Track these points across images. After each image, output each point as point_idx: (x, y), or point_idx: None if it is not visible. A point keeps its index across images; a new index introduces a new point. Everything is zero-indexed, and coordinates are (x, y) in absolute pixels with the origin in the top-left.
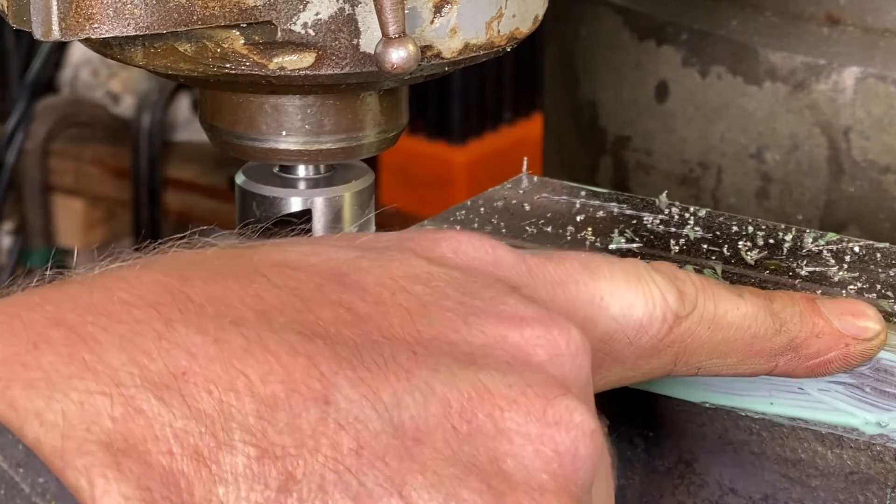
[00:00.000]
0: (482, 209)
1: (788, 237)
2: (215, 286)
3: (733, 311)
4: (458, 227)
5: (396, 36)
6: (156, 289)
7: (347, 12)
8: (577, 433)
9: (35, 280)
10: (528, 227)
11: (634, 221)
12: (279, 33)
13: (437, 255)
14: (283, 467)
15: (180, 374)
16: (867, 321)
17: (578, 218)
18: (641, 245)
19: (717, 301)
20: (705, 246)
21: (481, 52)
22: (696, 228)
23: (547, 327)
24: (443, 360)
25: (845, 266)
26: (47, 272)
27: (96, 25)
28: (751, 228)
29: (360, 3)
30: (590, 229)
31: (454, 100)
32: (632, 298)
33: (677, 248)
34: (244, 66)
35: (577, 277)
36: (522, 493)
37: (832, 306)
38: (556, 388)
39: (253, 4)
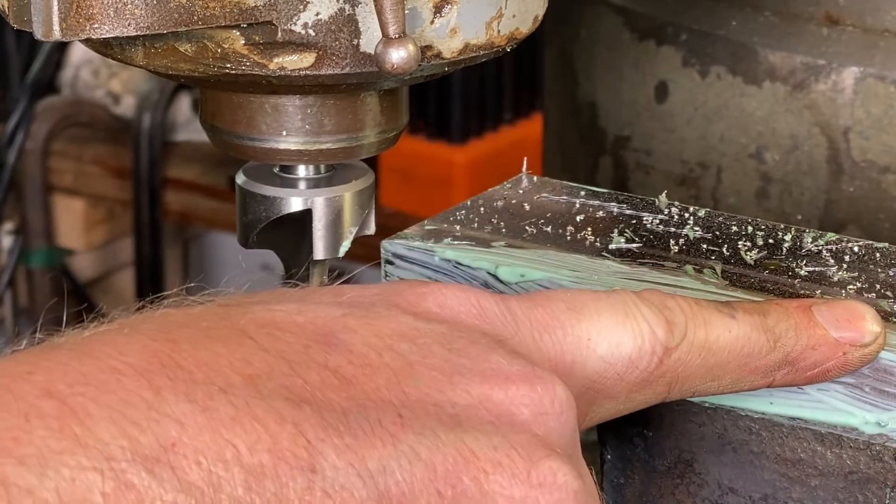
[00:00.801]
0: (482, 209)
1: (788, 237)
2: (203, 351)
3: (725, 334)
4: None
5: (396, 36)
6: (145, 355)
7: (348, 12)
8: (561, 494)
9: (24, 344)
10: (528, 227)
11: (634, 221)
12: (279, 33)
13: (422, 309)
14: None
15: (170, 446)
16: (864, 325)
17: (578, 218)
18: (641, 245)
19: (708, 327)
20: (705, 246)
21: (481, 53)
22: (696, 228)
23: (531, 385)
24: (428, 424)
25: (845, 266)
26: (36, 337)
27: (97, 26)
28: (750, 228)
29: (361, 3)
30: (589, 229)
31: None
32: (620, 335)
33: (677, 248)
34: (244, 66)
35: (564, 321)
36: None
37: (828, 313)
38: (540, 449)
39: (253, 5)
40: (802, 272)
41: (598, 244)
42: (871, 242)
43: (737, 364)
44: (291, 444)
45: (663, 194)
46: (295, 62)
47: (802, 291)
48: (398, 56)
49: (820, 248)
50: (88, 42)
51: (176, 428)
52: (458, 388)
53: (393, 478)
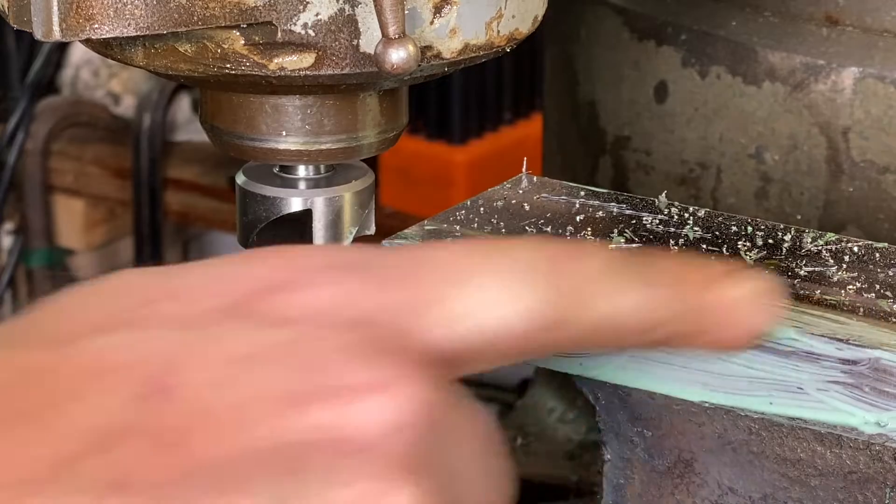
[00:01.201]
0: (482, 209)
1: (787, 237)
2: (3, 439)
3: (621, 305)
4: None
5: (396, 36)
6: None
7: (347, 13)
8: None
9: None
10: (527, 227)
11: (634, 221)
12: (279, 34)
13: (272, 309)
14: None
15: None
16: (747, 324)
17: (578, 218)
18: (641, 245)
19: (604, 298)
20: (704, 246)
21: (481, 53)
22: (696, 228)
23: (383, 394)
24: (266, 481)
25: (844, 266)
26: None
27: (97, 26)
28: (750, 228)
29: (361, 3)
30: (589, 229)
31: (454, 100)
32: (502, 304)
33: (677, 248)
34: (244, 66)
35: (442, 295)
36: None
37: (729, 289)
38: (396, 473)
39: (253, 5)
40: (802, 272)
41: (597, 244)
42: (870, 242)
43: (617, 338)
44: None
45: (663, 194)
46: (295, 62)
47: (802, 292)
48: (398, 56)
49: (819, 248)
50: (88, 42)
51: None
52: (299, 422)
53: None
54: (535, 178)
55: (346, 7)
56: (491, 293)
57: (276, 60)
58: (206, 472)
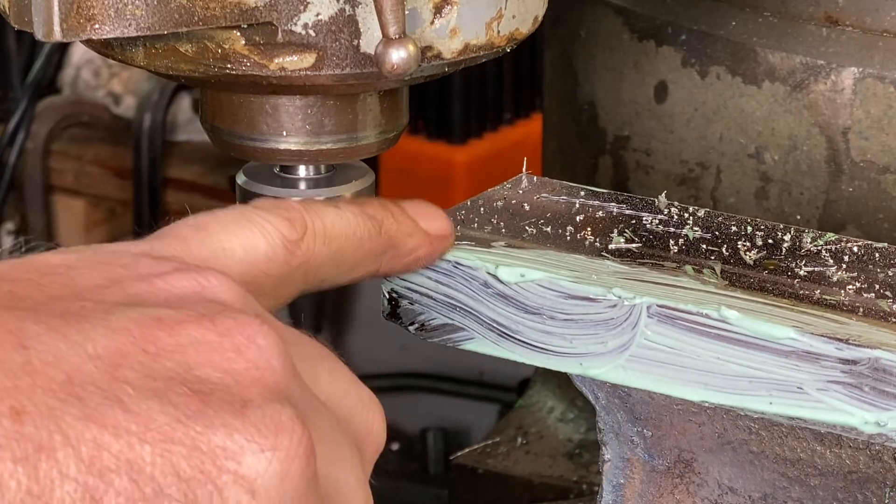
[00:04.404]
0: (482, 209)
1: (787, 237)
2: None
3: (339, 221)
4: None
5: (397, 37)
6: None
7: (348, 13)
8: (249, 330)
9: None
10: (527, 227)
11: (634, 221)
12: (280, 34)
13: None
14: (10, 403)
15: None
16: (444, 221)
17: (578, 218)
18: (641, 245)
19: (323, 217)
20: (704, 246)
21: (481, 53)
22: (696, 228)
23: (186, 272)
24: (114, 306)
25: (844, 266)
26: None
27: (97, 26)
28: (750, 228)
29: (361, 3)
30: (589, 229)
31: (454, 100)
32: (250, 238)
33: (676, 248)
34: (245, 66)
35: (194, 239)
36: (221, 391)
37: (413, 210)
38: (215, 307)
39: (254, 5)
40: (802, 272)
41: (597, 244)
42: (870, 242)
43: (353, 248)
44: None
45: (663, 194)
46: (295, 63)
47: (802, 292)
48: (398, 56)
49: (819, 248)
50: (89, 42)
51: None
52: (124, 287)
53: (100, 344)
54: (535, 178)
55: (347, 7)
56: (233, 227)
57: (276, 61)
58: (73, 300)
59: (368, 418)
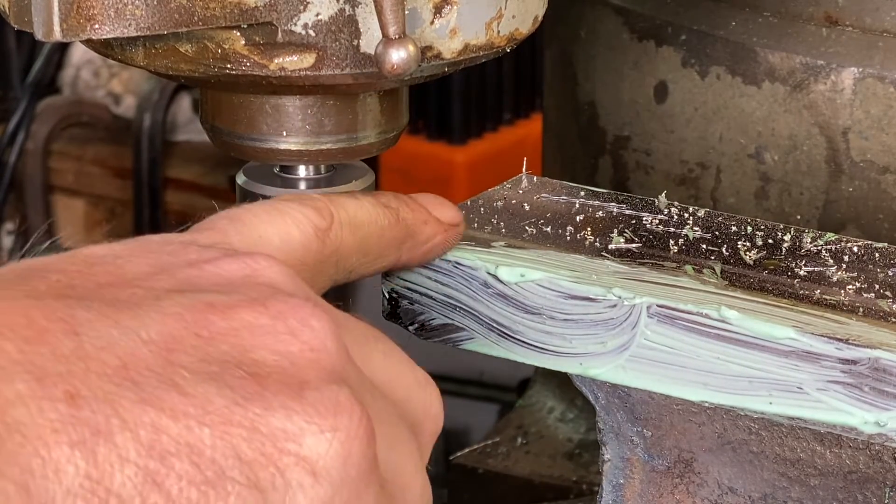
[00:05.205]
0: (482, 209)
1: (787, 237)
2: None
3: (361, 210)
4: None
5: (396, 37)
6: None
7: (348, 13)
8: (302, 312)
9: None
10: (527, 227)
11: (634, 221)
12: (280, 34)
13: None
14: (65, 388)
15: None
16: (452, 210)
17: (578, 218)
18: (641, 245)
19: (346, 206)
20: (704, 246)
21: (481, 53)
22: (696, 228)
23: (235, 257)
24: (164, 292)
25: (844, 266)
26: None
27: (97, 26)
28: (750, 228)
29: (361, 3)
30: (589, 229)
31: (454, 100)
32: (284, 227)
33: (676, 248)
34: (245, 66)
35: (233, 230)
36: (278, 373)
37: (423, 200)
38: (267, 290)
39: (254, 5)
40: (802, 272)
41: (597, 244)
42: (870, 242)
43: (377, 236)
44: (46, 321)
45: (663, 194)
46: (295, 63)
47: (802, 292)
48: (398, 57)
49: (819, 248)
50: (89, 42)
51: None
52: (174, 274)
53: (153, 329)
54: (535, 178)
55: (347, 7)
56: (266, 217)
57: (276, 61)
58: (125, 289)
59: (425, 401)
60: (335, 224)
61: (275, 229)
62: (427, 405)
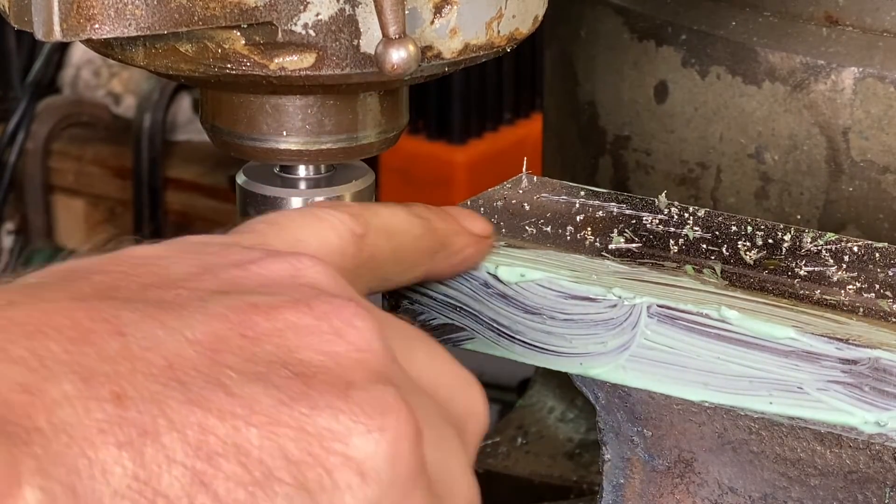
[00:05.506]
0: (482, 209)
1: (787, 237)
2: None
3: (394, 218)
4: None
5: (397, 36)
6: None
7: (348, 13)
8: (347, 313)
9: None
10: (527, 227)
11: (634, 221)
12: (280, 34)
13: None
14: (111, 388)
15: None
16: (485, 223)
17: (578, 218)
18: (641, 245)
19: (380, 213)
20: (704, 246)
21: (481, 53)
22: (696, 228)
23: (278, 257)
24: (209, 294)
25: (844, 266)
26: None
27: (97, 26)
28: (750, 228)
29: (361, 3)
30: (589, 229)
31: (454, 100)
32: (321, 231)
33: (676, 247)
34: (245, 66)
35: (272, 234)
36: (323, 373)
37: (454, 212)
38: (310, 290)
39: (254, 5)
40: (802, 272)
41: (597, 244)
42: (870, 242)
43: (411, 244)
44: (90, 322)
45: (663, 194)
46: (295, 62)
47: (802, 292)
48: (398, 56)
49: (819, 248)
50: (89, 42)
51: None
52: (220, 273)
53: (198, 329)
54: (535, 178)
55: (347, 7)
56: (303, 221)
57: (276, 60)
58: (167, 289)
59: (470, 400)
60: (370, 230)
61: (313, 233)
62: (471, 404)
